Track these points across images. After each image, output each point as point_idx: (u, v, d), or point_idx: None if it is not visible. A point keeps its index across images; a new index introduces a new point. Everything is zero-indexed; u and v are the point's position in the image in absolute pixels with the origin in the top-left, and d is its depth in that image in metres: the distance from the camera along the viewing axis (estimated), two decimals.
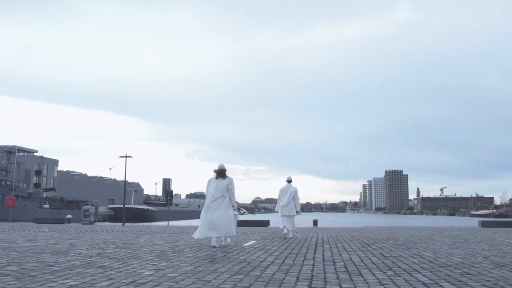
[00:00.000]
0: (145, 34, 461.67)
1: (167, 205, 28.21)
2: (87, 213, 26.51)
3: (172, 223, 46.49)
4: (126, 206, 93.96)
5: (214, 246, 8.03)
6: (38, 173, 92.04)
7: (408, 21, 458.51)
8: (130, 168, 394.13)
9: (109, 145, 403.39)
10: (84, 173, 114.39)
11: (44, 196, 74.23)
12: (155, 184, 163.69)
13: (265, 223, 24.13)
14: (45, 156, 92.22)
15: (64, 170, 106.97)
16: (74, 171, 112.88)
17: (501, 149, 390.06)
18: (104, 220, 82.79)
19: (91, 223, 26.05)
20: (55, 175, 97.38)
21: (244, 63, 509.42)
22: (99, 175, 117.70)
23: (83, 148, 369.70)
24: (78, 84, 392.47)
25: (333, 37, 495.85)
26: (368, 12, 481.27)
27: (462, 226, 23.29)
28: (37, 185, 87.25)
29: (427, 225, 32.10)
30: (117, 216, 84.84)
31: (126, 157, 23.99)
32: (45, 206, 66.36)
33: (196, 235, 8.32)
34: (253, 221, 24.94)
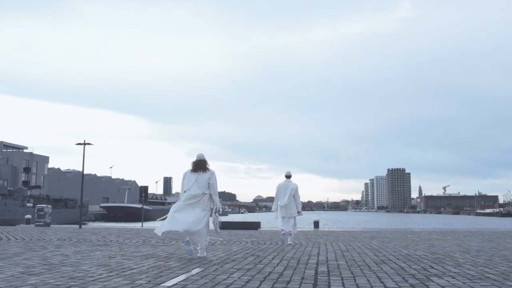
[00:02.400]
0: (145, 32, 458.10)
1: (141, 203, 23.76)
2: (42, 213, 22.09)
3: (152, 224, 41.97)
4: (120, 204, 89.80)
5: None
6: (27, 170, 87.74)
7: (408, 19, 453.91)
8: (129, 166, 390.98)
9: (109, 144, 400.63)
10: (77, 170, 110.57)
11: (29, 194, 69.94)
12: (156, 182, 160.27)
13: (255, 225, 19.67)
14: (39, 153, 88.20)
15: (56, 167, 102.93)
16: (74, 169, 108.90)
17: (502, 147, 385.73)
18: (96, 220, 78.71)
19: (46, 224, 21.67)
20: (46, 172, 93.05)
21: (244, 61, 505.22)
22: (93, 173, 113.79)
23: (82, 147, 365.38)
24: (78, 82, 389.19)
25: (333, 35, 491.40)
26: (368, 10, 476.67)
27: (500, 230, 18.73)
28: (25, 183, 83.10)
29: (446, 227, 27.62)
30: (109, 215, 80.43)
31: (84, 144, 19.54)
32: (28, 204, 61.92)
33: (159, 230, 6.55)
34: (241, 223, 20.47)
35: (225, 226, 19.68)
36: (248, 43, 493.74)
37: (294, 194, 10.05)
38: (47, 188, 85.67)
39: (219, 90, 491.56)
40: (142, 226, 24.34)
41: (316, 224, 21.77)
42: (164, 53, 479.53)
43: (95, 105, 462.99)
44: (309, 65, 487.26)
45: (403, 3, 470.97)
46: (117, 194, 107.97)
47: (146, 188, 24.04)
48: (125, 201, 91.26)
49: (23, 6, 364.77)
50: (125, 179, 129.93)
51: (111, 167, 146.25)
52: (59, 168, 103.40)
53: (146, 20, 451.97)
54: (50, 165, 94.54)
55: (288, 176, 10.30)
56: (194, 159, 6.90)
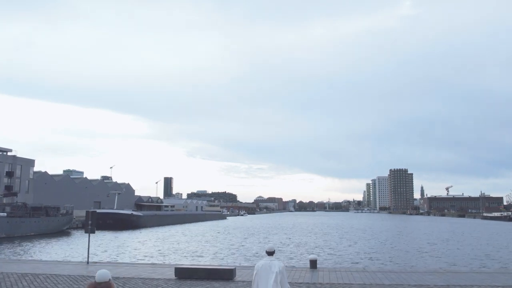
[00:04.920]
0: (144, 31, 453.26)
1: (88, 232, 18.29)
2: None
3: (103, 255, 36.44)
4: (108, 211, 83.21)
5: None
6: (10, 174, 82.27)
7: (409, 16, 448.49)
8: (129, 167, 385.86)
9: (109, 143, 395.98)
10: (77, 170, 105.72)
11: (4, 201, 64.46)
12: (156, 183, 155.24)
13: (227, 275, 14.02)
14: (25, 156, 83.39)
15: (43, 170, 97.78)
16: (74, 169, 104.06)
17: (504, 147, 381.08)
18: (83, 227, 73.55)
19: None
20: (31, 176, 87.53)
21: (244, 60, 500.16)
22: (83, 176, 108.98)
23: (83, 147, 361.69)
24: (77, 82, 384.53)
25: (333, 33, 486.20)
26: (369, 8, 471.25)
27: None
28: (8, 188, 77.81)
29: (480, 257, 22.03)
30: (98, 222, 75.14)
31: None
32: (1, 214, 56.25)
33: None
34: (208, 270, 14.58)
35: (186, 274, 14.15)
36: (247, 41, 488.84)
37: (281, 279, 7.60)
38: (32, 194, 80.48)
39: (219, 89, 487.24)
40: (87, 262, 18.80)
41: (313, 264, 16.32)
42: (164, 52, 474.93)
43: (93, 104, 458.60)
44: (310, 64, 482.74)
45: (403, 2, 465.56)
46: (109, 198, 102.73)
47: (94, 212, 18.50)
48: (115, 207, 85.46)
49: (21, 5, 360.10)
50: (119, 181, 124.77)
51: (111, 167, 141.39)
52: (46, 172, 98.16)
53: (145, 18, 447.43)
54: (44, 166, 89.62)
55: (270, 253, 8.04)
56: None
